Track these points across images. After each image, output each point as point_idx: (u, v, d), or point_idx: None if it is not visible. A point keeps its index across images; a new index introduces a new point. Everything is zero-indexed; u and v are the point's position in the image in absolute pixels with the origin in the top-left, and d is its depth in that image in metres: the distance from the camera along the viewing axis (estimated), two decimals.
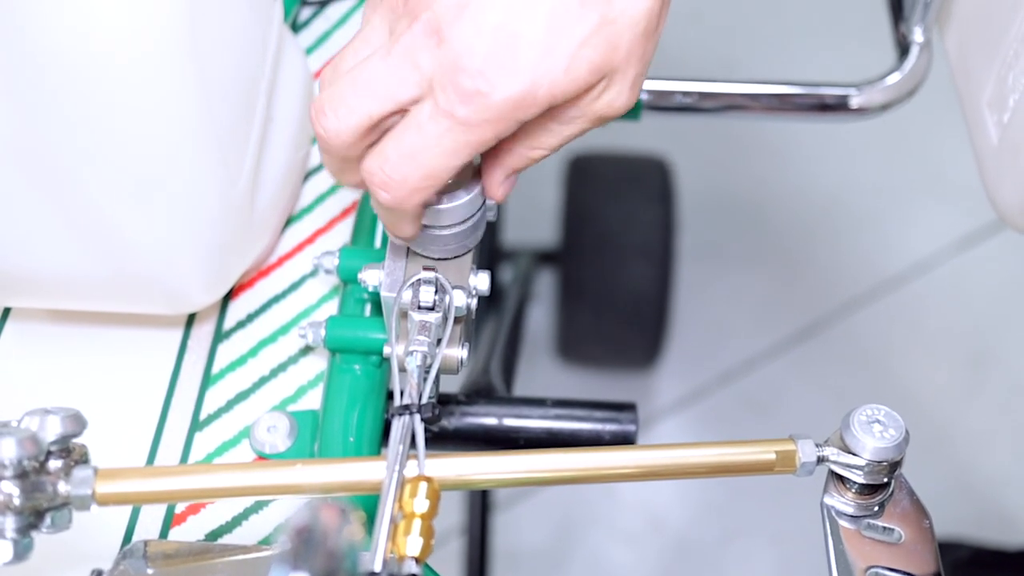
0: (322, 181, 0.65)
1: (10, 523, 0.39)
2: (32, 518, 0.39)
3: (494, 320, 0.96)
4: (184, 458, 0.55)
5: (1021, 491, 1.32)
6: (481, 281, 0.50)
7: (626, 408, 0.59)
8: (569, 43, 0.42)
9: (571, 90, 0.43)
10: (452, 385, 0.66)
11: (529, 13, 0.41)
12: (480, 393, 0.65)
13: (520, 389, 0.91)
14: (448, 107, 0.42)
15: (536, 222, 1.42)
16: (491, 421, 0.59)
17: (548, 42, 0.41)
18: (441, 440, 0.60)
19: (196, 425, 0.56)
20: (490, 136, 0.43)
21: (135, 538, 0.51)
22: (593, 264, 1.25)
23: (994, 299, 1.47)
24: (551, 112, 0.44)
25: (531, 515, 1.31)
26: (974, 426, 1.37)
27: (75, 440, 0.41)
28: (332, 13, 0.72)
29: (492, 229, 1.14)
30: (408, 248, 0.50)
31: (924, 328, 1.45)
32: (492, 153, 0.47)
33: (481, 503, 1.07)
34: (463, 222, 0.48)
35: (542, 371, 1.39)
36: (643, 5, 0.43)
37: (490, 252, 1.20)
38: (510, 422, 0.59)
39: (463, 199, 0.48)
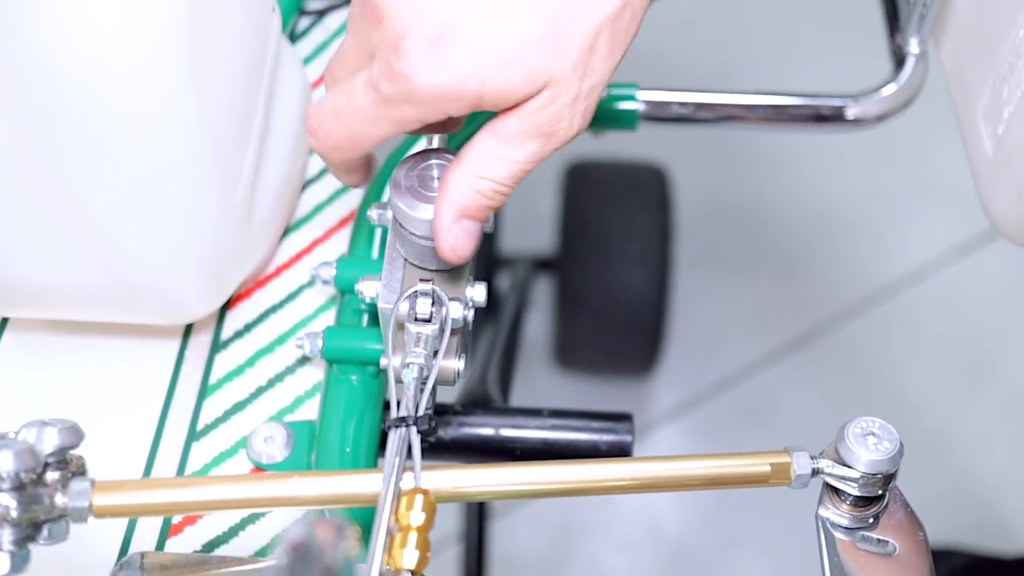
0: (320, 191, 0.65)
1: (7, 535, 0.39)
2: (29, 530, 0.40)
3: (491, 329, 0.96)
4: (181, 468, 0.55)
5: (1018, 498, 1.32)
6: (478, 293, 0.50)
7: (623, 419, 0.59)
8: (508, 44, 0.42)
9: (502, 91, 0.43)
10: (449, 395, 0.66)
11: (473, 10, 0.42)
12: (477, 403, 0.65)
13: (517, 396, 0.91)
14: (376, 80, 0.43)
15: (534, 229, 1.43)
16: (488, 431, 0.59)
17: (486, 40, 0.42)
18: (438, 450, 0.60)
19: (193, 435, 0.56)
20: (412, 118, 0.44)
21: (132, 549, 0.51)
22: (590, 271, 1.26)
23: (991, 306, 1.47)
24: (492, 128, 0.44)
25: (528, 522, 1.31)
26: (971, 432, 1.38)
27: (72, 452, 0.42)
28: (330, 23, 0.72)
29: (489, 239, 1.14)
30: (405, 259, 0.50)
31: (921, 335, 1.46)
32: (440, 190, 0.46)
33: (478, 510, 1.07)
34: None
35: (539, 378, 1.39)
36: (595, 20, 0.43)
37: (487, 260, 1.20)
38: (507, 432, 0.59)
39: None
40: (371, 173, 0.52)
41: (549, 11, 0.42)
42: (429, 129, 0.50)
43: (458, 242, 0.46)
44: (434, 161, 0.49)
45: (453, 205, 0.45)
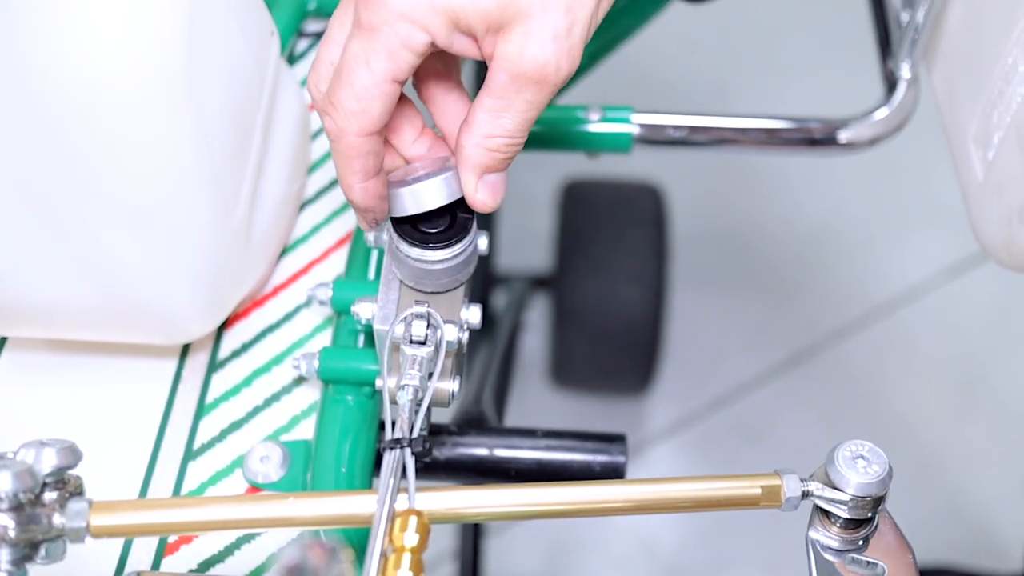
0: (317, 211, 0.65)
1: (5, 555, 0.39)
2: (27, 550, 0.40)
3: (487, 348, 0.97)
4: (178, 487, 0.55)
5: (1011, 516, 1.33)
6: (472, 315, 0.50)
7: (616, 439, 0.60)
8: None
9: (474, 7, 0.43)
10: (444, 414, 0.66)
11: None
12: (472, 423, 0.65)
13: (513, 413, 0.91)
14: (357, 16, 0.44)
15: (530, 248, 1.43)
16: (482, 452, 0.60)
17: None
18: (433, 470, 0.60)
19: (190, 454, 0.56)
20: (394, 41, 0.44)
21: (128, 568, 0.51)
22: (586, 290, 1.26)
23: (984, 325, 1.48)
24: (486, 88, 0.45)
25: (523, 540, 1.31)
26: (964, 451, 1.38)
27: (70, 472, 0.42)
28: None
29: (484, 261, 1.14)
30: (401, 282, 0.51)
31: (915, 354, 1.46)
32: (457, 155, 0.48)
33: (473, 528, 1.08)
34: (454, 256, 0.49)
35: (535, 396, 1.39)
36: None
37: (483, 279, 1.20)
38: (501, 453, 0.60)
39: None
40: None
41: None
42: (427, 81, 0.50)
43: (487, 197, 0.48)
44: (424, 171, 0.49)
45: (472, 167, 0.47)
